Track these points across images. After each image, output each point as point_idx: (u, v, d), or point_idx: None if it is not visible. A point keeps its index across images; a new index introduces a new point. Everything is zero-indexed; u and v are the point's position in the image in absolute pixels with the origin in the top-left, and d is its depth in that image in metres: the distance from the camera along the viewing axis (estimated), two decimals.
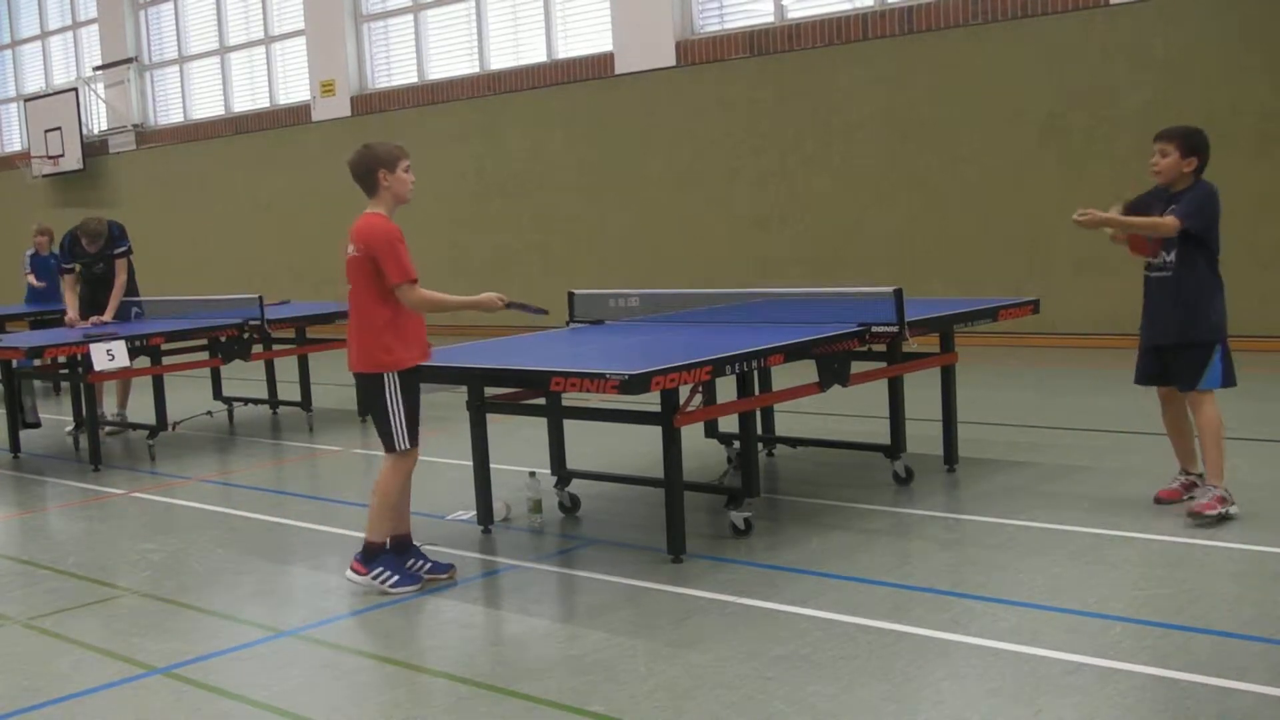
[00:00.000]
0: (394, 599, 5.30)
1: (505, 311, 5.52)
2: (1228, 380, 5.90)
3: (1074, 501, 6.26)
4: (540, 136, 15.95)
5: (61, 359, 9.07)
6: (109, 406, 10.14)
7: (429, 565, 5.54)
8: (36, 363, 9.23)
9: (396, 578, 5.39)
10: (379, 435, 5.47)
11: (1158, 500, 6.10)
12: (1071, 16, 11.83)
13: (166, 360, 9.62)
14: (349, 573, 5.44)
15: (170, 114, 21.37)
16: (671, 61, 14.53)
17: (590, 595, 5.39)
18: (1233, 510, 5.80)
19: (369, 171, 5.35)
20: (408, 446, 5.40)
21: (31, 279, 13.30)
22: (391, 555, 5.46)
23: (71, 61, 23.21)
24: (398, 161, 5.37)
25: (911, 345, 6.53)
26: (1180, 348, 5.92)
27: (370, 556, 5.41)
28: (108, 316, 9.79)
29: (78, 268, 9.98)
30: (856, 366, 6.43)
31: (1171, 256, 5.89)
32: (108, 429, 9.79)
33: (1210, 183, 5.91)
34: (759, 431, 6.88)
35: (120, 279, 9.93)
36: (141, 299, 10.39)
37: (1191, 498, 6.01)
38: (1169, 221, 5.76)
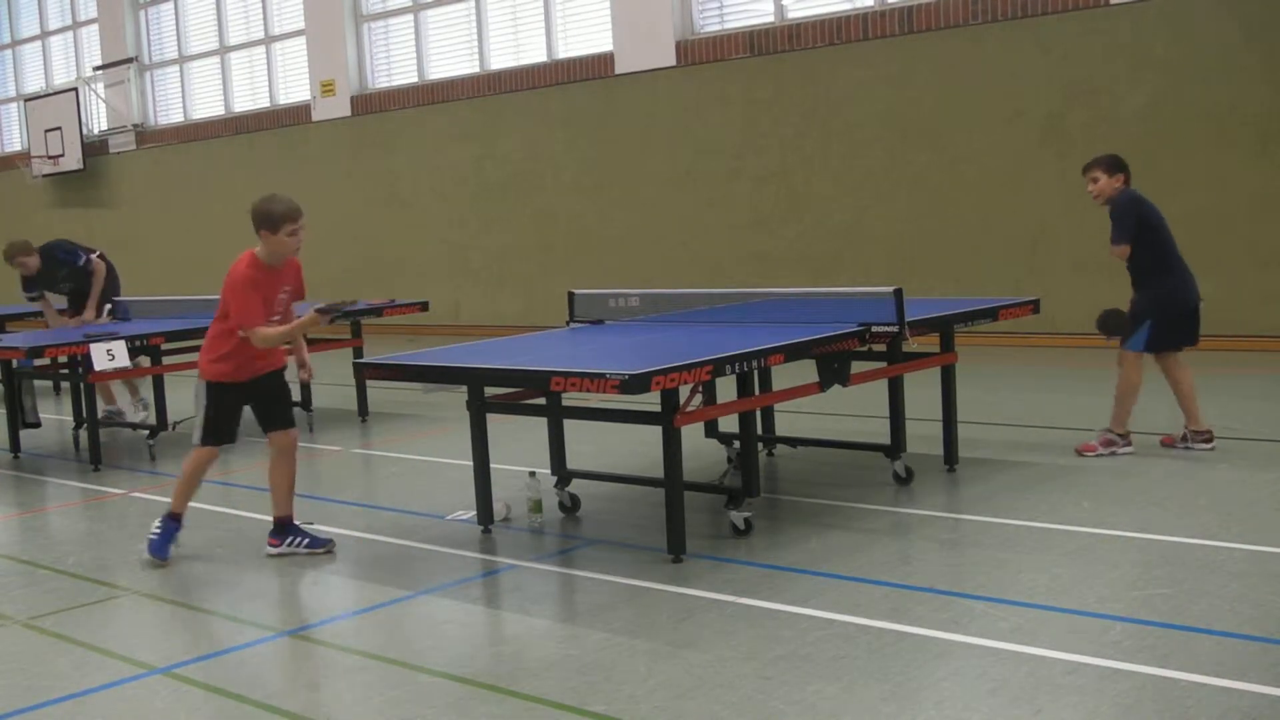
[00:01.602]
0: (394, 599, 5.31)
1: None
2: (1149, 347, 7.00)
3: (1074, 501, 6.26)
4: (540, 136, 15.95)
5: (62, 359, 9.08)
6: (125, 403, 10.37)
7: (307, 540, 6.05)
8: (37, 363, 9.25)
9: (308, 540, 6.00)
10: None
11: (1163, 444, 7.16)
12: (1071, 16, 11.82)
13: (166, 360, 9.61)
14: (267, 548, 6.02)
15: (170, 114, 21.36)
16: (671, 61, 14.52)
17: (590, 595, 5.40)
18: (1122, 451, 6.95)
19: (255, 226, 5.78)
20: (197, 443, 5.99)
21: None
22: (297, 524, 6.05)
23: (71, 61, 23.20)
24: (282, 225, 5.72)
25: (911, 345, 6.54)
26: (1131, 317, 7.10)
27: (280, 529, 6.03)
28: (89, 316, 10.19)
29: (45, 294, 10.45)
30: (856, 366, 6.43)
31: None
32: (137, 424, 9.87)
33: (1128, 191, 6.94)
34: (759, 431, 6.88)
35: (98, 277, 10.35)
36: (125, 299, 10.48)
37: (1188, 447, 7.03)
38: (1111, 252, 6.94)
